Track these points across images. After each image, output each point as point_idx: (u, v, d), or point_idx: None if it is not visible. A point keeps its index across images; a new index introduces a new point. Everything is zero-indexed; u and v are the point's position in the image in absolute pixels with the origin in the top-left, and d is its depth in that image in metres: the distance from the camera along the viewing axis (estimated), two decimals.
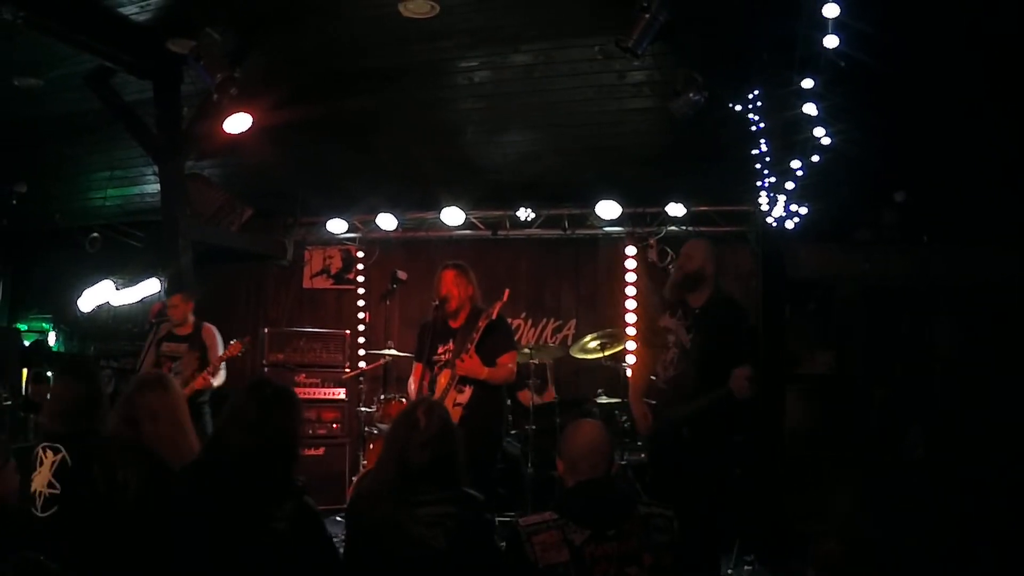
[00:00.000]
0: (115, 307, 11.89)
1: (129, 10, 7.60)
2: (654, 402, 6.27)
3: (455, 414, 6.23)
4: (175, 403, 4.31)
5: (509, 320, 6.52)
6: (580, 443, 3.82)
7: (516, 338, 10.16)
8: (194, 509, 3.52)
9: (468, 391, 6.35)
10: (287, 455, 3.62)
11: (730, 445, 6.34)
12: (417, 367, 6.70)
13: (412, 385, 6.76)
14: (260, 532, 3.43)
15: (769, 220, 8.07)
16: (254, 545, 3.43)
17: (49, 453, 4.13)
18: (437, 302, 6.53)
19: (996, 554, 6.95)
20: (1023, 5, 6.26)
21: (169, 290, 8.79)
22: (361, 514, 3.82)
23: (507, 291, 6.64)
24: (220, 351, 8.40)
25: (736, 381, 5.64)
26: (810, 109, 6.31)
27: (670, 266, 9.35)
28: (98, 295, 11.68)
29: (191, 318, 8.55)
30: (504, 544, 3.70)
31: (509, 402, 8.83)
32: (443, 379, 6.42)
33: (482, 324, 6.37)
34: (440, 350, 6.56)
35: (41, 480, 4.07)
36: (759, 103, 7.41)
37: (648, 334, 6.75)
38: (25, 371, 10.88)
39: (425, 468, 3.68)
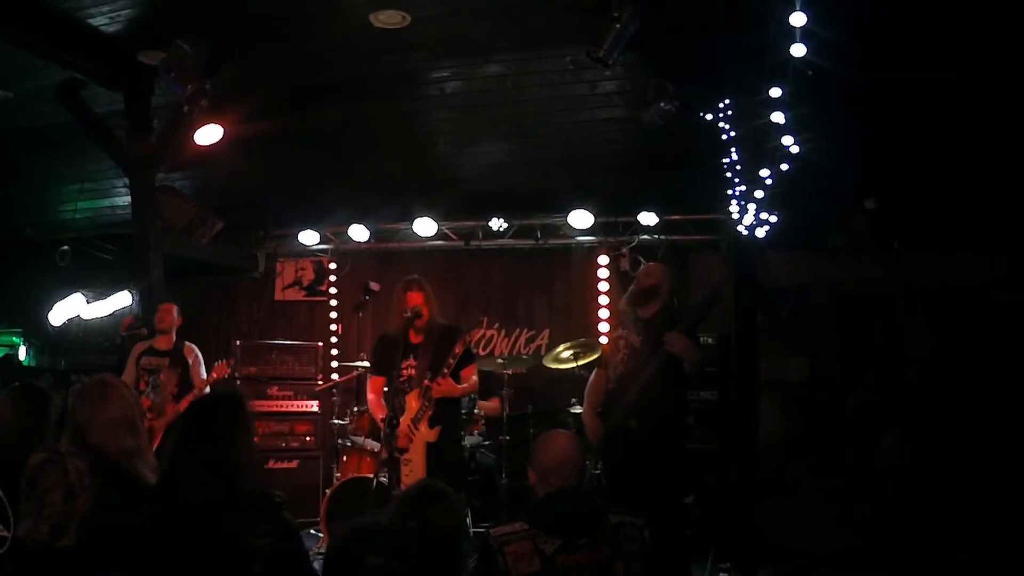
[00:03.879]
0: (86, 321, 11.83)
1: (99, 21, 7.57)
2: (604, 410, 6.47)
3: (432, 434, 6.31)
4: (119, 408, 4.06)
5: (482, 331, 6.58)
6: (551, 454, 3.83)
7: (490, 348, 10.29)
8: (164, 528, 3.46)
9: (431, 409, 6.39)
10: (229, 453, 3.54)
11: (680, 430, 6.48)
12: (376, 380, 6.73)
13: (372, 398, 6.77)
14: (238, 550, 3.38)
15: (740, 228, 8.10)
16: (231, 564, 3.37)
17: None
18: (409, 313, 6.51)
19: (973, 558, 7.00)
20: (988, 13, 6.32)
21: (159, 298, 8.71)
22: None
23: (484, 319, 6.68)
24: (202, 370, 8.40)
25: (669, 338, 5.94)
26: (778, 118, 6.35)
27: None
28: (69, 309, 11.61)
29: (174, 336, 8.48)
30: (476, 555, 3.69)
31: (482, 412, 8.92)
32: (413, 401, 6.42)
33: (459, 351, 6.39)
34: (402, 365, 6.55)
35: None
36: (729, 112, 7.45)
37: (605, 348, 6.92)
38: None
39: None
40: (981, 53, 6.81)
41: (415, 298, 6.57)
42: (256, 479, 3.67)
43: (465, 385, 6.63)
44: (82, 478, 3.65)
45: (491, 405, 9.17)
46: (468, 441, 8.64)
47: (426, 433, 6.33)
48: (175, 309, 8.51)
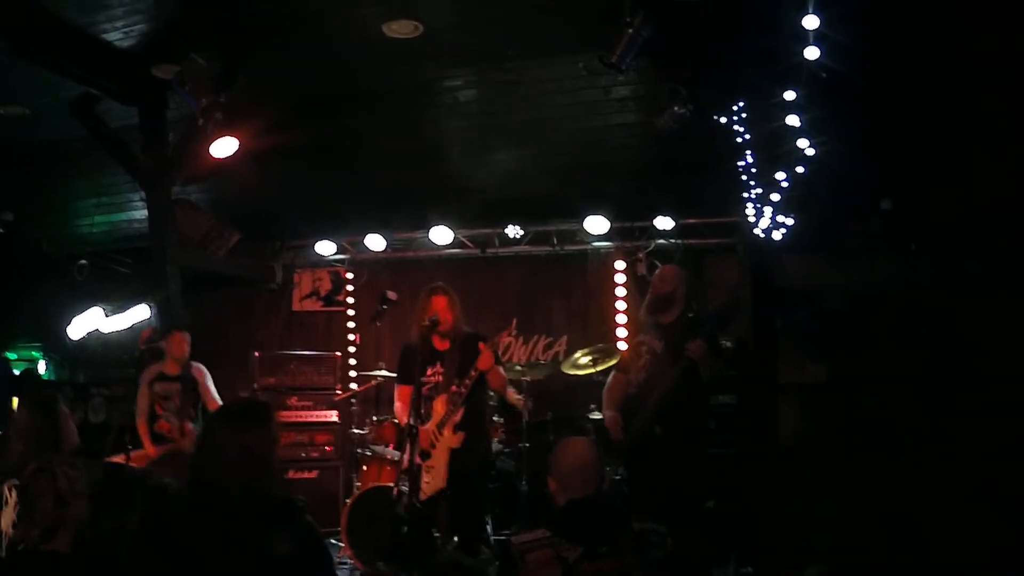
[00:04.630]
0: (105, 334, 11.85)
1: (113, 36, 7.59)
2: (628, 413, 6.49)
3: (456, 439, 6.30)
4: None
5: (498, 338, 6.58)
6: (570, 461, 3.83)
7: (508, 356, 10.27)
8: (187, 533, 3.45)
9: (460, 412, 6.37)
10: (262, 466, 3.53)
11: (702, 435, 6.50)
12: (403, 389, 6.70)
13: (399, 407, 6.76)
14: (260, 555, 3.37)
15: (756, 232, 8.08)
16: (254, 568, 3.36)
17: (14, 492, 4.01)
18: (427, 323, 6.50)
19: (994, 559, 6.97)
20: (1003, 14, 6.29)
21: (173, 325, 8.80)
22: None
23: (515, 320, 6.68)
24: (211, 386, 8.60)
25: (691, 347, 6.02)
26: (793, 121, 6.34)
27: None
28: (87, 322, 11.64)
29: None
30: (498, 563, 3.68)
31: (503, 419, 8.90)
32: (439, 406, 6.41)
33: (485, 354, 6.39)
34: (428, 372, 6.55)
35: (7, 520, 3.97)
36: (743, 115, 7.43)
37: (625, 353, 6.90)
38: (16, 400, 10.81)
39: None
40: (993, 53, 6.79)
41: (439, 302, 6.57)
42: (279, 487, 3.67)
43: (503, 373, 6.64)
44: (73, 485, 3.68)
45: (517, 397, 9.21)
46: None
47: (450, 438, 6.33)
48: (190, 336, 8.65)
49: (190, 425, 8.13)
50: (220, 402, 8.43)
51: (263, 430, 3.58)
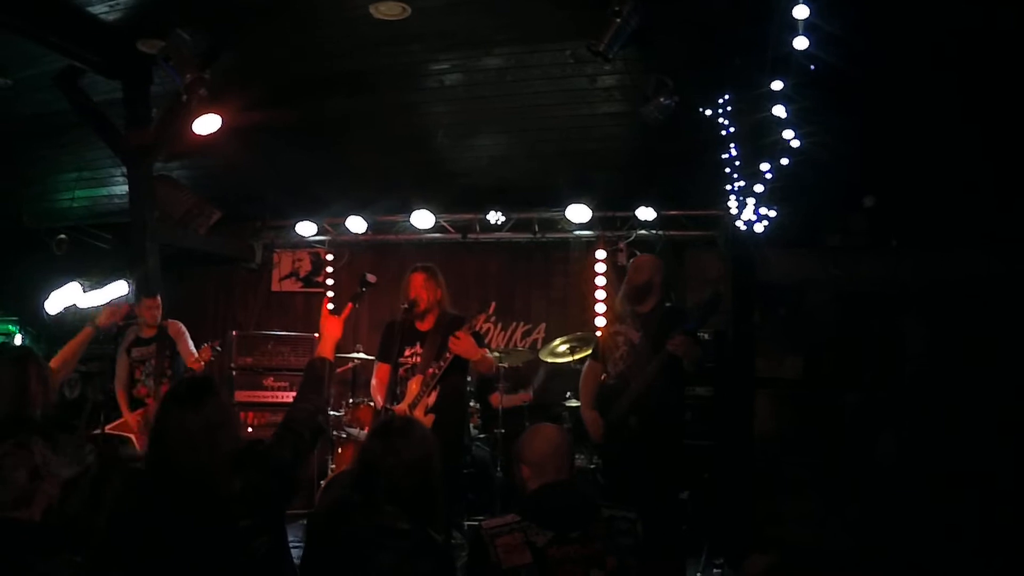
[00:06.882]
0: (82, 309, 11.79)
1: (98, 9, 7.53)
2: (604, 404, 6.46)
3: (427, 421, 6.23)
4: None
5: (475, 321, 6.50)
6: (541, 447, 3.83)
7: (487, 341, 10.25)
8: (151, 518, 3.38)
9: (435, 394, 6.31)
10: (227, 437, 3.49)
11: (679, 427, 6.49)
12: (381, 367, 6.65)
13: (375, 384, 6.70)
14: (227, 535, 3.32)
15: (739, 224, 8.09)
16: (221, 549, 3.31)
17: None
18: (406, 305, 6.48)
19: (970, 556, 6.99)
20: (992, 10, 6.30)
21: (143, 292, 8.75)
22: (323, 530, 3.69)
23: (493, 304, 6.62)
24: (189, 343, 8.51)
25: (673, 342, 5.91)
26: (779, 111, 6.32)
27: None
28: (65, 297, 11.57)
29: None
30: (468, 548, 3.68)
31: (478, 405, 8.87)
32: (414, 385, 6.35)
33: (462, 335, 6.34)
34: (407, 352, 6.51)
35: None
36: (729, 107, 7.42)
37: (602, 343, 6.84)
38: None
39: (397, 492, 3.52)
40: (983, 47, 6.78)
41: (416, 280, 6.51)
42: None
43: (487, 357, 6.51)
44: (48, 464, 3.68)
45: (521, 397, 9.21)
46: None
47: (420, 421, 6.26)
48: (159, 301, 8.62)
49: (167, 386, 8.06)
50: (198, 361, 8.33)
51: (214, 400, 3.51)
